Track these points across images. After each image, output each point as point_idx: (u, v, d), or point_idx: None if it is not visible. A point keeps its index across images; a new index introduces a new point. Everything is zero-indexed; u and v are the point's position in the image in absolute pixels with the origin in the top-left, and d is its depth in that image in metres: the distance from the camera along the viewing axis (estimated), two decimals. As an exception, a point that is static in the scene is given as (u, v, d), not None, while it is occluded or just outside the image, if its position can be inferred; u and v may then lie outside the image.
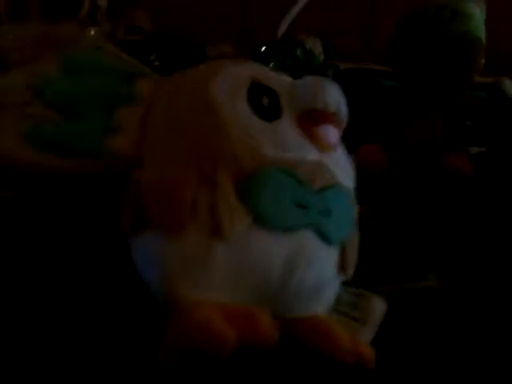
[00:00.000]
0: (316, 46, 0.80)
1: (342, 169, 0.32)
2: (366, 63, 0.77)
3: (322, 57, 0.78)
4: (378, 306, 0.33)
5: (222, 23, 0.98)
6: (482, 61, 0.50)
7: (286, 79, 0.33)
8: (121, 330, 0.30)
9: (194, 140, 0.28)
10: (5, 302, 0.30)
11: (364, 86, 0.67)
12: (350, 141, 0.34)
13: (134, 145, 0.29)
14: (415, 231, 0.42)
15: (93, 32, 0.79)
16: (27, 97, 0.28)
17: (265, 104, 0.30)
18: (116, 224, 0.29)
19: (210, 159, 0.28)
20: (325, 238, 0.29)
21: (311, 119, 0.30)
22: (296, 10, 0.93)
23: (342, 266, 0.31)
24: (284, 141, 0.29)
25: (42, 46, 0.31)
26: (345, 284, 0.33)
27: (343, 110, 0.32)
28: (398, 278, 0.38)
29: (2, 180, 0.29)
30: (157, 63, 0.69)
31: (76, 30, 0.33)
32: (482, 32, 0.50)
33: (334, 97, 0.31)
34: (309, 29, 0.81)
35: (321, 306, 0.31)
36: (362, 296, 0.34)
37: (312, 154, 0.30)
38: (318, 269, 0.29)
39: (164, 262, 0.27)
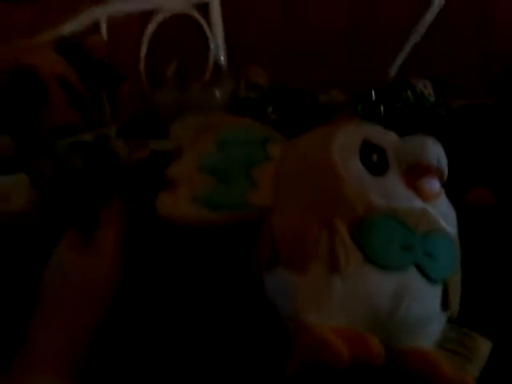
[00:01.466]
0: (426, 87, 0.83)
1: (444, 215, 0.36)
2: (481, 99, 0.78)
3: (433, 98, 0.81)
4: (484, 345, 0.36)
5: (332, 70, 1.05)
6: None
7: (393, 136, 0.38)
8: (254, 348, 0.36)
9: (316, 192, 0.35)
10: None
11: (477, 122, 0.68)
12: (461, 179, 0.38)
13: (268, 197, 0.36)
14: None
15: (218, 94, 0.91)
16: (194, 171, 0.37)
17: (374, 160, 0.35)
18: (249, 264, 0.36)
19: (329, 207, 0.34)
20: (428, 276, 0.34)
21: (416, 173, 0.35)
22: (405, 51, 0.97)
23: (444, 304, 0.35)
24: (391, 191, 0.35)
25: (203, 133, 0.40)
26: (451, 323, 0.37)
27: (443, 164, 0.36)
28: (503, 316, 0.40)
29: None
30: (273, 116, 0.77)
31: (222, 117, 0.42)
32: None
33: (434, 152, 0.36)
34: (420, 69, 0.84)
35: (426, 340, 0.35)
36: (467, 335, 0.37)
37: (417, 203, 0.35)
38: (423, 304, 0.34)
39: (292, 292, 0.33)
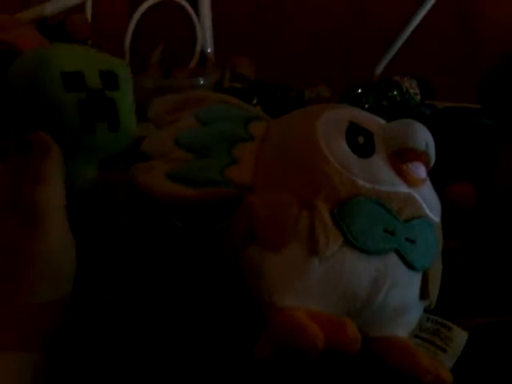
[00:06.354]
0: (412, 87, 0.83)
1: (428, 203, 0.35)
2: (465, 102, 0.78)
3: (419, 97, 0.81)
4: (460, 336, 0.35)
5: (319, 66, 1.04)
6: None
7: (380, 120, 0.37)
8: (224, 329, 0.35)
9: (299, 170, 0.34)
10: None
11: (461, 124, 0.69)
12: (444, 177, 0.37)
13: (248, 174, 0.34)
14: (503, 267, 0.43)
15: (202, 81, 0.89)
16: (171, 147, 0.36)
17: (360, 142, 0.34)
18: (225, 242, 0.35)
19: (311, 187, 0.33)
20: (408, 263, 0.33)
21: (402, 157, 0.34)
22: (393, 51, 0.97)
23: (423, 293, 0.34)
24: (377, 175, 0.33)
25: (182, 108, 0.39)
26: (429, 313, 0.36)
27: (431, 149, 0.35)
28: (483, 312, 0.39)
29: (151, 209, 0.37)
30: (258, 108, 0.76)
31: (205, 92, 0.40)
32: None
33: (422, 137, 0.35)
34: (406, 69, 0.85)
35: (402, 329, 0.34)
36: (443, 325, 0.36)
37: (402, 188, 0.34)
38: (402, 291, 0.33)
39: (266, 273, 0.32)
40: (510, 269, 0.43)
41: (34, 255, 0.31)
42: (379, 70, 0.98)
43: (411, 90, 0.83)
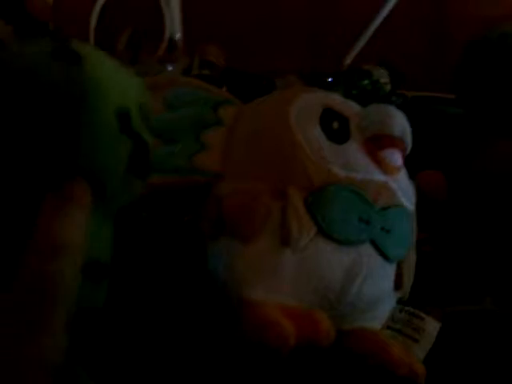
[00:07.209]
0: (383, 76, 0.83)
1: (403, 191, 0.34)
2: (433, 92, 0.78)
3: (389, 86, 0.80)
4: (432, 326, 0.35)
5: (289, 56, 1.03)
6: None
7: (355, 106, 0.36)
8: (192, 324, 0.33)
9: (271, 157, 0.32)
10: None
11: (431, 114, 0.69)
12: (413, 167, 0.36)
13: (217, 161, 0.33)
14: (472, 256, 0.43)
15: (170, 68, 0.86)
16: None
17: (335, 128, 0.33)
18: (193, 233, 0.33)
19: (284, 175, 0.31)
20: (383, 253, 0.32)
21: (378, 143, 0.33)
22: (363, 40, 0.96)
23: (397, 284, 0.33)
24: (352, 162, 0.32)
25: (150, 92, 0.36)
26: (400, 303, 0.35)
27: (408, 136, 0.34)
28: (453, 301, 0.39)
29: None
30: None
31: (174, 77, 0.38)
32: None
33: (399, 123, 0.34)
34: (376, 58, 0.84)
35: (376, 320, 0.33)
36: (416, 315, 0.35)
37: (377, 175, 0.33)
38: (376, 282, 0.32)
39: (236, 265, 0.30)
40: (478, 258, 0.43)
41: None
42: (349, 59, 0.97)
43: (382, 80, 0.83)
